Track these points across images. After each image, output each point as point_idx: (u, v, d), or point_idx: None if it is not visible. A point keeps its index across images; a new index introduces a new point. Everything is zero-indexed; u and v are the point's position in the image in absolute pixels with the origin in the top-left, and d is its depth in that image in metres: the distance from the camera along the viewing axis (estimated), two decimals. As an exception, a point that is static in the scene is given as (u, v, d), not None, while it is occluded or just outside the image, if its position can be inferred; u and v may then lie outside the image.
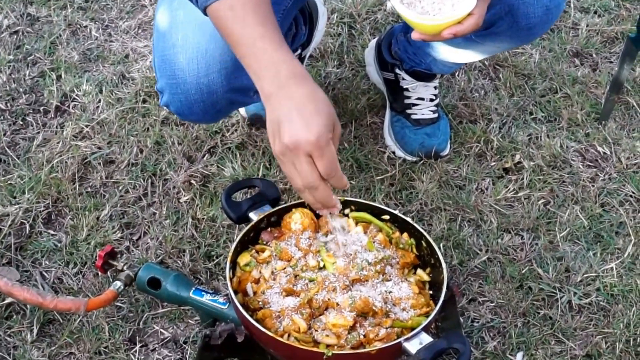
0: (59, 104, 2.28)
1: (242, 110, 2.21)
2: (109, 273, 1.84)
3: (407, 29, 2.11)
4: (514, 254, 1.97)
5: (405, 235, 1.69)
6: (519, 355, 1.78)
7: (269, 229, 1.68)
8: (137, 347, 1.78)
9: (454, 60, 2.00)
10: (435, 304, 1.55)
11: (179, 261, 1.91)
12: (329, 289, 1.54)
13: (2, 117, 2.25)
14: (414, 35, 1.56)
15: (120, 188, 2.07)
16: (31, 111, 2.27)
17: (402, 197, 2.07)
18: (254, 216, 1.68)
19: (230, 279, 1.58)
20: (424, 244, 1.66)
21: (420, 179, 2.10)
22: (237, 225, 1.88)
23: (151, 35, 2.42)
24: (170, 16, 1.67)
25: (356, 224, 1.69)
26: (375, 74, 2.28)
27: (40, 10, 2.56)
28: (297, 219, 1.66)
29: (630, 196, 2.11)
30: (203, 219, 2.00)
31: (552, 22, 1.84)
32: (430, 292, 1.63)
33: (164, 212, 2.02)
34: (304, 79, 1.39)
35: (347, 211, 1.72)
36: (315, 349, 1.47)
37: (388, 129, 2.20)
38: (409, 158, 2.15)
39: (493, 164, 2.16)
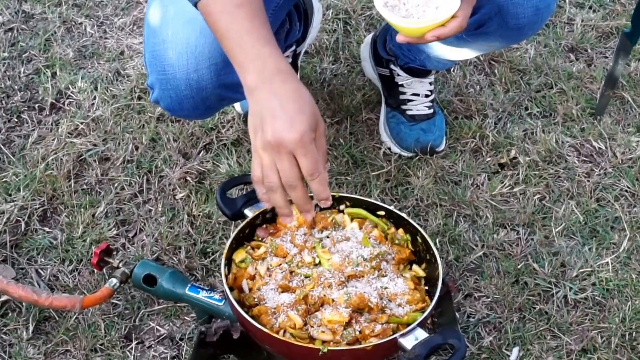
0: (54, 101, 2.28)
1: (237, 107, 2.21)
2: (104, 270, 1.84)
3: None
4: (509, 249, 1.97)
5: (400, 231, 1.69)
6: (515, 350, 1.78)
7: (264, 226, 1.68)
8: (133, 344, 1.78)
9: (448, 57, 2.00)
10: (431, 300, 1.55)
11: (174, 258, 1.91)
12: (325, 285, 1.54)
13: (-3, 115, 2.25)
14: (399, 38, 1.57)
15: (115, 185, 2.07)
16: (26, 108, 2.27)
17: (398, 193, 2.07)
18: (249, 213, 1.68)
19: (226, 276, 1.58)
20: (420, 240, 1.66)
21: (416, 175, 2.10)
22: (233, 222, 1.88)
23: (146, 32, 2.41)
24: (161, 12, 1.67)
25: (351, 220, 1.69)
26: (370, 69, 2.28)
27: (35, 7, 2.55)
28: (292, 215, 1.66)
29: (626, 191, 2.11)
30: (199, 215, 1.99)
31: (543, 23, 1.83)
32: (426, 287, 1.63)
33: (160, 209, 2.02)
34: (289, 75, 1.40)
35: (342, 207, 1.72)
36: (310, 345, 1.47)
37: (383, 124, 2.20)
38: (404, 154, 2.16)
39: (489, 159, 2.16)
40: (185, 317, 1.82)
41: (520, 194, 2.08)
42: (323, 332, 1.50)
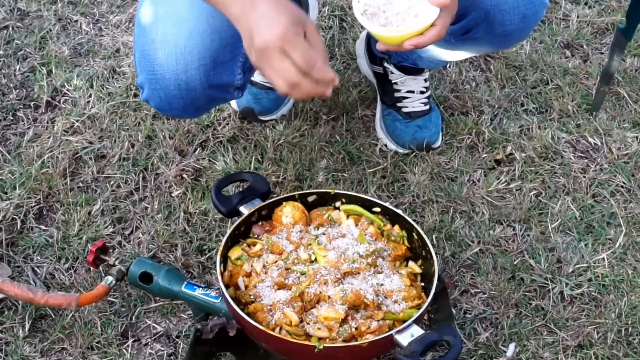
0: (49, 98, 2.28)
1: (233, 104, 2.21)
2: (100, 268, 1.83)
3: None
4: (505, 246, 1.97)
5: (396, 227, 1.69)
6: (511, 346, 1.78)
7: (260, 223, 1.68)
8: (130, 342, 1.78)
9: (439, 57, 2.00)
10: (427, 296, 1.56)
11: (171, 255, 1.91)
12: (321, 282, 1.54)
13: (-8, 113, 2.25)
14: (379, 46, 1.57)
15: (111, 183, 2.07)
16: (22, 106, 2.27)
17: (394, 190, 2.07)
18: (245, 210, 1.68)
19: (222, 273, 1.58)
20: (416, 236, 1.67)
21: (412, 172, 2.10)
22: (229, 220, 1.88)
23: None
24: (151, 12, 1.67)
25: (347, 216, 1.69)
26: (365, 66, 2.28)
27: (30, 4, 2.55)
28: (288, 213, 1.66)
29: (621, 187, 2.11)
30: (195, 213, 1.99)
31: (530, 30, 1.83)
32: (422, 284, 1.63)
33: (156, 207, 2.01)
34: None
35: (338, 204, 1.72)
36: (307, 342, 1.48)
37: (379, 121, 2.20)
38: (400, 150, 2.15)
39: (484, 155, 2.16)
40: (182, 315, 1.82)
41: (516, 190, 2.08)
42: (319, 329, 1.50)
